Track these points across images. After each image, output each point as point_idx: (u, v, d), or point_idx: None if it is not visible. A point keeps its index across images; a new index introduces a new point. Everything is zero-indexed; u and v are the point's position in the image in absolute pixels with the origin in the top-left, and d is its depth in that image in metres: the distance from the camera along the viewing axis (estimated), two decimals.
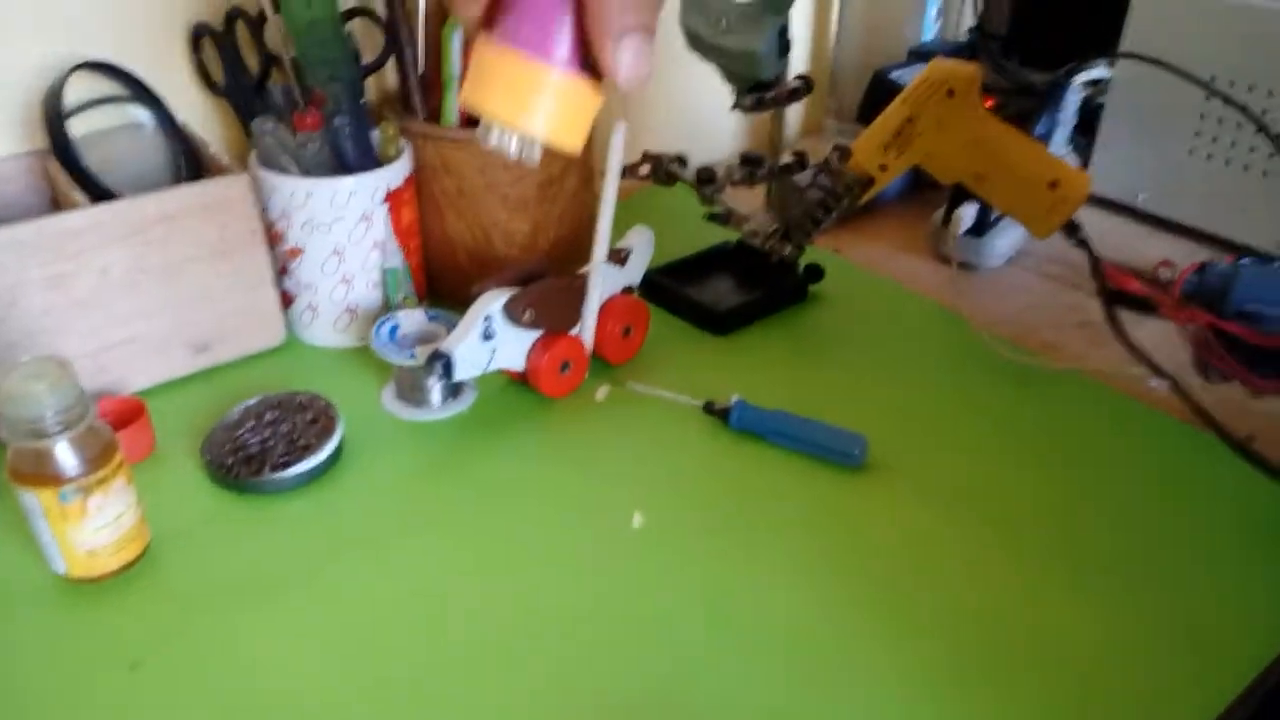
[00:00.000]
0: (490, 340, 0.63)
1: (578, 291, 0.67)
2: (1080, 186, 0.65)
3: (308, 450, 0.61)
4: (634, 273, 0.73)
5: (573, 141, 0.39)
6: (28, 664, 0.49)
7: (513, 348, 0.66)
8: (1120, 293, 0.80)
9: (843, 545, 0.57)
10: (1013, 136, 0.65)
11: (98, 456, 0.51)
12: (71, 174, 0.67)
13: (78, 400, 0.50)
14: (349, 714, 0.47)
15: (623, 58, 0.36)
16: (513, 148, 0.40)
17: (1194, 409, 0.64)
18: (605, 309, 0.69)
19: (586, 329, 0.68)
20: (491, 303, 0.63)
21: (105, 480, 0.51)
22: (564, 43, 0.37)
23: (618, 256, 0.71)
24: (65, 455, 0.50)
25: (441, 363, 0.62)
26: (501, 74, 0.38)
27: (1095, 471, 0.63)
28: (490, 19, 0.38)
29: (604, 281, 0.69)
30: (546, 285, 0.65)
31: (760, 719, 0.47)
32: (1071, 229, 0.67)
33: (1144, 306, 0.79)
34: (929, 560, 0.56)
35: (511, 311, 0.63)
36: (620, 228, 0.91)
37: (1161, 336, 0.74)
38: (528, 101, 0.38)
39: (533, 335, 0.66)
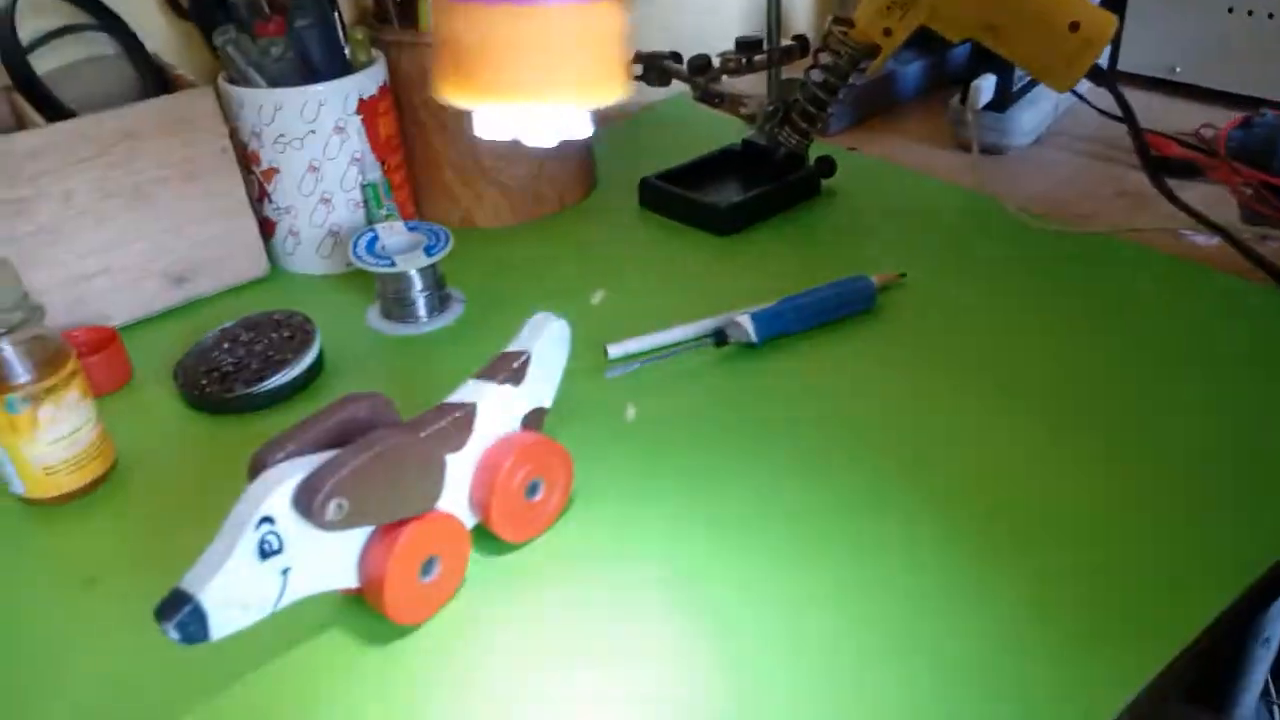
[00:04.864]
0: (275, 557, 0.37)
1: (438, 442, 0.42)
2: (1105, 25, 0.59)
3: (283, 365, 0.58)
4: (541, 389, 0.47)
5: (616, 85, 0.31)
6: None
7: (327, 555, 0.39)
8: (1162, 158, 0.73)
9: (880, 437, 0.52)
10: None
11: (46, 363, 0.48)
12: (33, 102, 0.64)
13: (19, 303, 0.47)
14: (317, 628, 0.43)
15: None
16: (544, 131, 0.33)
17: (1251, 258, 0.58)
18: (494, 455, 0.44)
19: (457, 499, 0.43)
20: (268, 495, 0.36)
21: (56, 390, 0.48)
22: None
23: (508, 367, 0.45)
24: (10, 359, 0.47)
25: (180, 618, 0.35)
26: (493, 40, 0.30)
27: (1141, 329, 0.57)
28: None
29: (493, 411, 0.44)
30: (372, 448, 0.38)
31: (778, 606, 0.42)
32: (1098, 75, 0.61)
33: (1187, 171, 0.73)
34: (959, 435, 0.51)
35: (305, 504, 0.37)
36: (616, 152, 0.88)
37: (1207, 200, 0.68)
38: (540, 63, 0.29)
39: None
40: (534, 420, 0.47)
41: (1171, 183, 0.65)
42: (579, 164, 0.79)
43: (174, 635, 0.35)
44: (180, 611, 0.35)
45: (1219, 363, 0.54)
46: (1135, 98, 0.87)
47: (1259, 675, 0.82)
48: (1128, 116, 0.63)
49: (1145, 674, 0.37)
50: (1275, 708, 0.85)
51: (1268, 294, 0.59)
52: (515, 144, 0.72)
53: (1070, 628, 0.39)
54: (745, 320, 0.57)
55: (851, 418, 0.52)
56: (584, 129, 0.36)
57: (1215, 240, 0.61)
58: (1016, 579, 0.42)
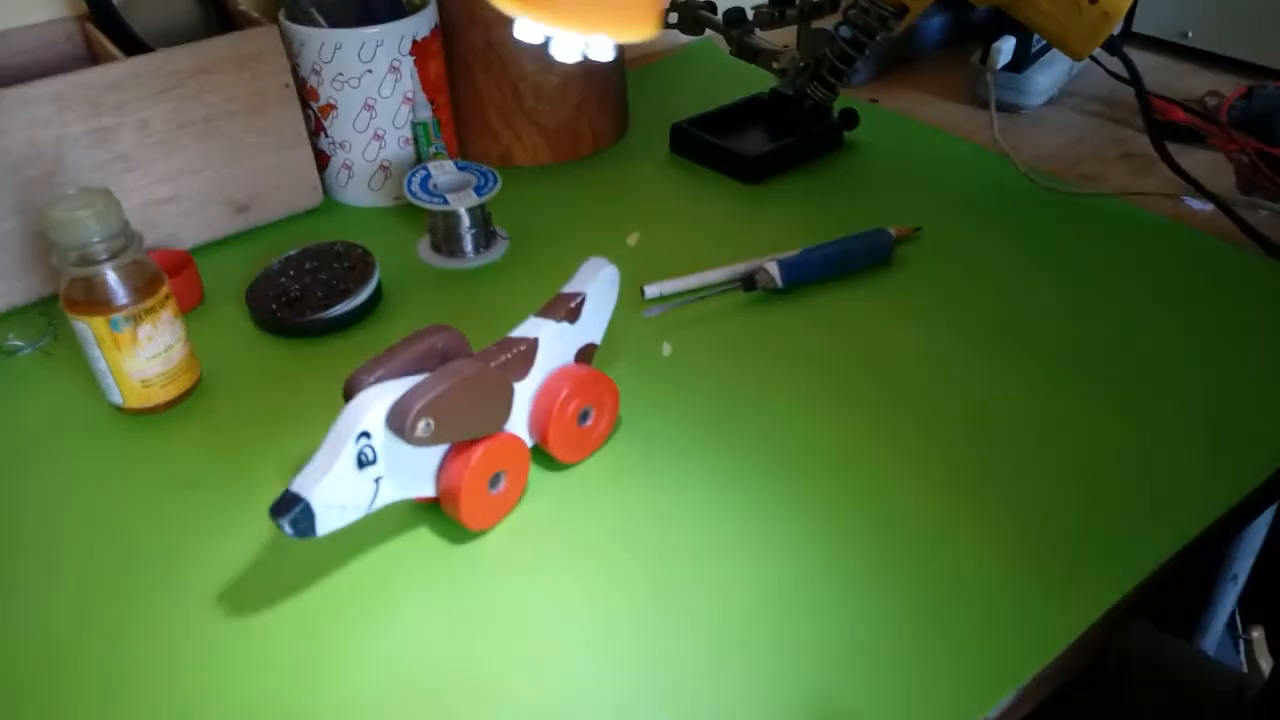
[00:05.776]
0: (370, 467, 0.43)
1: (507, 371, 0.48)
2: None
3: (346, 294, 0.63)
4: (593, 327, 0.53)
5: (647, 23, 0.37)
6: (90, 486, 0.52)
7: (411, 466, 0.45)
8: (1167, 123, 0.78)
9: (885, 380, 0.57)
10: None
11: (144, 287, 0.53)
12: (109, 33, 0.68)
13: (122, 230, 0.52)
14: (398, 531, 0.49)
15: None
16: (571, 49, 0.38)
17: (1239, 224, 0.63)
18: (552, 385, 0.50)
19: (519, 421, 0.49)
20: (366, 413, 0.42)
21: (154, 310, 0.53)
22: None
23: (566, 307, 0.51)
24: (113, 283, 0.52)
25: (293, 515, 0.41)
26: None
27: (1128, 287, 0.63)
28: None
29: (552, 345, 0.50)
30: (455, 375, 0.44)
31: (794, 513, 0.48)
32: (1113, 46, 0.65)
33: (1191, 136, 0.77)
34: (964, 378, 0.56)
35: (398, 422, 0.43)
36: (647, 94, 0.92)
37: (1208, 167, 0.72)
38: None
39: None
40: (586, 354, 0.52)
41: (1174, 148, 0.69)
42: (614, 107, 0.83)
43: (288, 530, 0.41)
44: (293, 510, 0.41)
45: (1208, 327, 0.59)
46: (1146, 60, 0.92)
47: (1227, 607, 0.89)
48: (1134, 81, 0.67)
49: (1118, 592, 0.43)
50: (1241, 640, 0.92)
51: (1255, 261, 0.64)
52: (556, 85, 0.76)
53: (1055, 550, 0.45)
54: (773, 267, 0.62)
55: (868, 360, 0.58)
56: (607, 54, 0.41)
57: (1210, 207, 0.65)
58: (1014, 506, 0.48)
